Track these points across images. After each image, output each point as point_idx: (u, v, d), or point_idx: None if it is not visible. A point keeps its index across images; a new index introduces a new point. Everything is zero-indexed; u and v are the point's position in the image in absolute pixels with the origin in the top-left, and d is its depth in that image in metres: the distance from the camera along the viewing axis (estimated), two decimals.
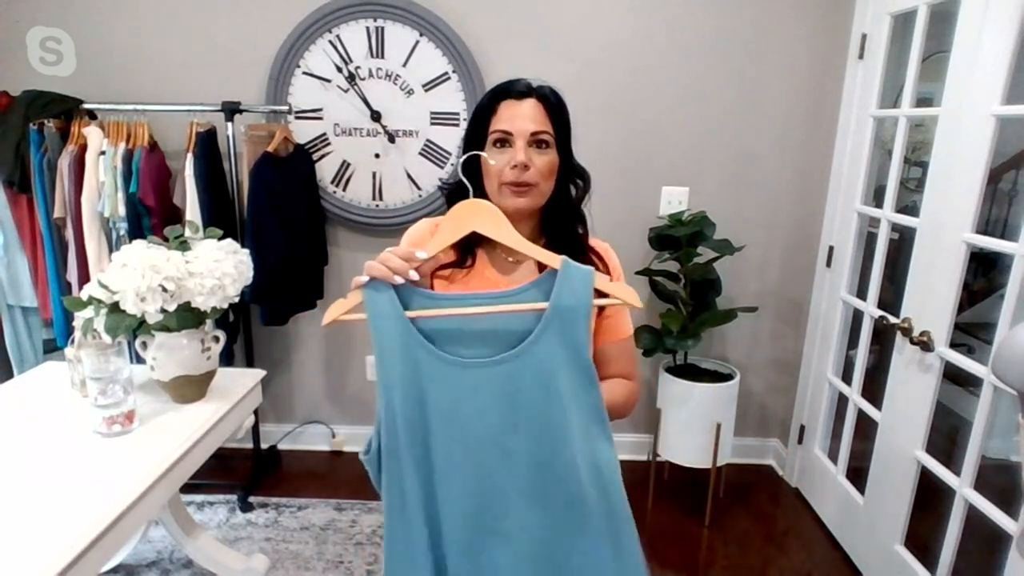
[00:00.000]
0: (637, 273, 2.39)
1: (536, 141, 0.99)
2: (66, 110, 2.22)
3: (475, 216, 0.90)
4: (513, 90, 1.01)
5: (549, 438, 0.83)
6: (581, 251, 1.06)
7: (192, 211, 2.20)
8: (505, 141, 0.99)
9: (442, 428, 0.85)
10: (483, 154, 0.99)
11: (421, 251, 0.86)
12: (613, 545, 0.86)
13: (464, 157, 0.97)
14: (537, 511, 0.85)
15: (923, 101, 1.96)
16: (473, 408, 0.84)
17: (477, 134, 1.03)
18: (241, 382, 1.69)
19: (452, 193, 1.05)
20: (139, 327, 1.41)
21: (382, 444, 0.85)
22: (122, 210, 2.15)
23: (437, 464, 0.86)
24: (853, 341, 2.24)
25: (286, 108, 2.32)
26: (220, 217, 2.25)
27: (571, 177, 1.07)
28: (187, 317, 1.45)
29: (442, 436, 0.85)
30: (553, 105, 1.02)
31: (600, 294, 0.85)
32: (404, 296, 0.84)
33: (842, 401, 2.29)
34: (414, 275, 0.84)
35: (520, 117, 0.99)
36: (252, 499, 2.37)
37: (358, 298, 0.84)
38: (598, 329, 1.06)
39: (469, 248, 1.05)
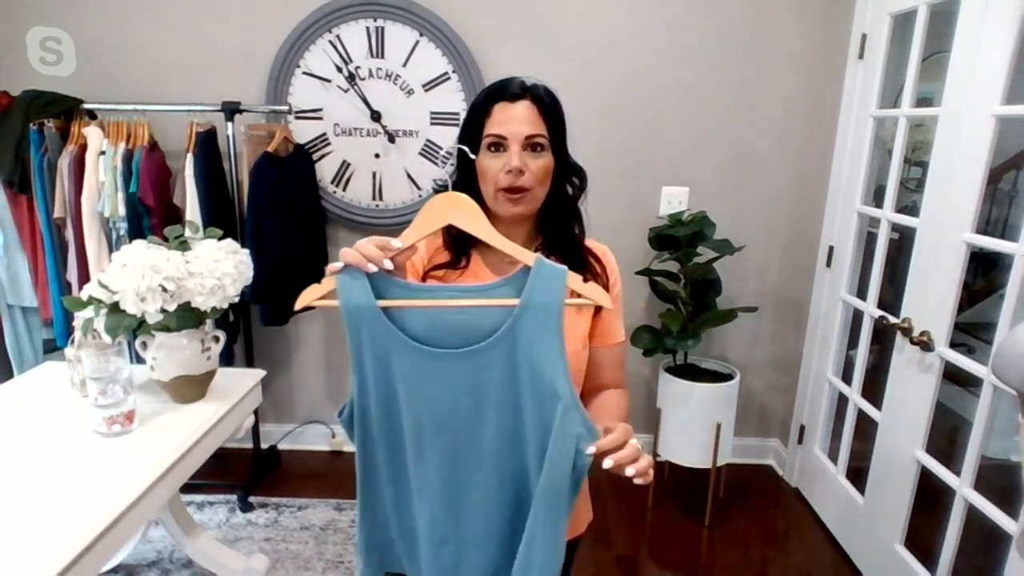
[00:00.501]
0: (637, 273, 2.39)
1: (531, 144, 0.98)
2: (66, 110, 2.23)
3: (452, 209, 0.89)
4: (507, 91, 0.99)
5: (510, 429, 0.86)
6: (578, 251, 1.06)
7: (192, 211, 2.20)
8: (499, 145, 0.98)
9: (412, 412, 0.87)
10: (465, 148, 0.98)
11: (396, 240, 0.86)
12: (552, 535, 0.86)
13: (456, 150, 0.97)
14: (499, 494, 0.87)
15: (923, 101, 1.96)
16: (442, 396, 0.85)
17: (471, 136, 1.02)
18: (241, 382, 1.69)
19: None
20: (139, 327, 1.41)
21: (355, 414, 0.89)
22: (122, 210, 2.15)
23: (407, 440, 0.89)
24: (853, 341, 2.24)
25: (286, 108, 2.32)
26: (220, 217, 2.25)
27: (567, 176, 1.07)
28: (187, 317, 1.45)
29: (412, 419, 0.87)
30: (548, 106, 1.00)
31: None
32: (379, 285, 0.84)
33: (842, 401, 2.29)
34: (388, 264, 0.84)
35: (514, 120, 0.98)
36: (252, 499, 2.37)
37: (332, 284, 0.84)
38: (592, 331, 1.06)
39: (464, 249, 1.04)
